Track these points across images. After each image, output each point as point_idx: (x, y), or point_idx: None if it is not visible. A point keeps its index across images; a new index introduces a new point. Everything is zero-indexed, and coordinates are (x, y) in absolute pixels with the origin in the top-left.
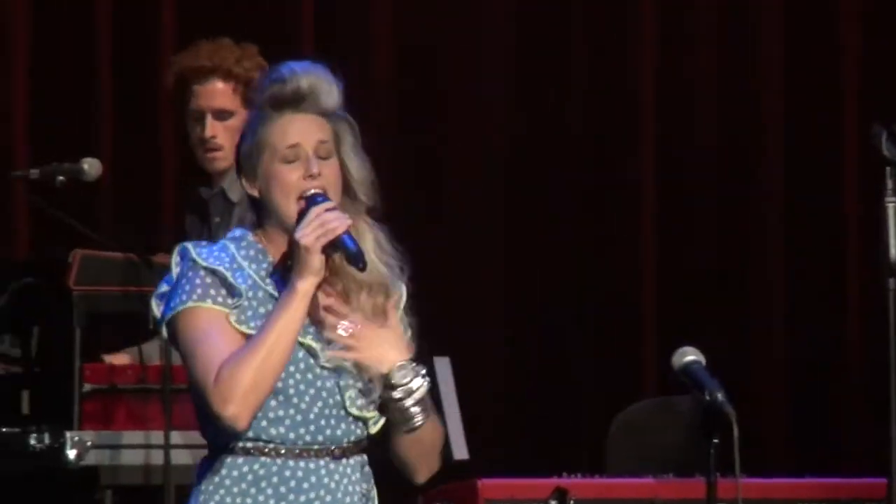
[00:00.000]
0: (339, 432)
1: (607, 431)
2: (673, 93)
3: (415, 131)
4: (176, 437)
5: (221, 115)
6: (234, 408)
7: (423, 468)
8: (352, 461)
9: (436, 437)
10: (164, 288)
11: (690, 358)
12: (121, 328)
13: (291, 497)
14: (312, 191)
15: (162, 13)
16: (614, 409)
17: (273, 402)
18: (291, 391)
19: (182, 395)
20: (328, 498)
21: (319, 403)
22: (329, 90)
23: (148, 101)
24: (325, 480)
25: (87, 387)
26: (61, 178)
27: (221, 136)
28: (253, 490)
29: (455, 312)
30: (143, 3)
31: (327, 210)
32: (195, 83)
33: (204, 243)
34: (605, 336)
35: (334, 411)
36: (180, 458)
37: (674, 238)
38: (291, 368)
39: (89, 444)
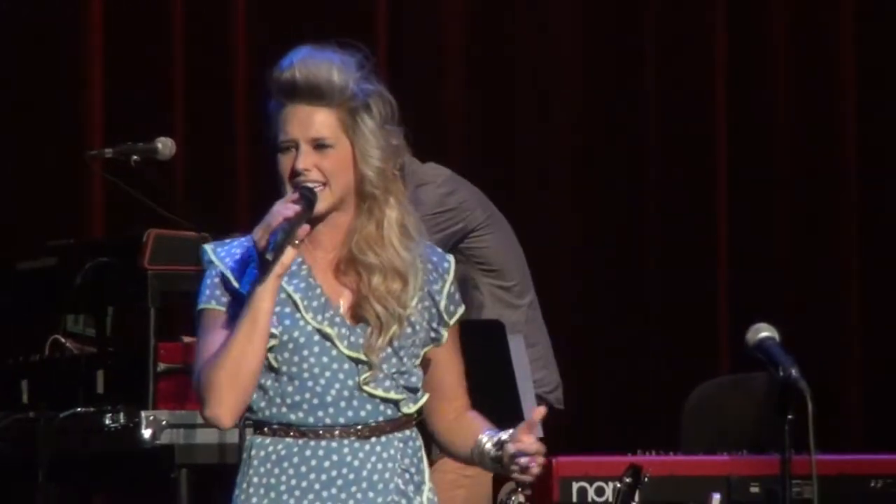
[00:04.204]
0: (362, 413)
1: (681, 409)
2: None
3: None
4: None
5: None
6: (212, 409)
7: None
8: (383, 439)
9: None
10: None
11: (765, 334)
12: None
13: (312, 476)
14: (301, 184)
15: None
16: (688, 386)
17: (290, 388)
18: (306, 375)
19: None
20: (351, 476)
21: (337, 386)
22: (330, 80)
23: (221, 80)
24: (349, 459)
25: (162, 366)
26: (136, 157)
27: None
28: (276, 470)
29: None
30: None
31: (289, 203)
32: None
33: (229, 240)
34: (680, 312)
35: (356, 393)
36: None
37: (748, 216)
38: (305, 353)
39: (164, 423)
